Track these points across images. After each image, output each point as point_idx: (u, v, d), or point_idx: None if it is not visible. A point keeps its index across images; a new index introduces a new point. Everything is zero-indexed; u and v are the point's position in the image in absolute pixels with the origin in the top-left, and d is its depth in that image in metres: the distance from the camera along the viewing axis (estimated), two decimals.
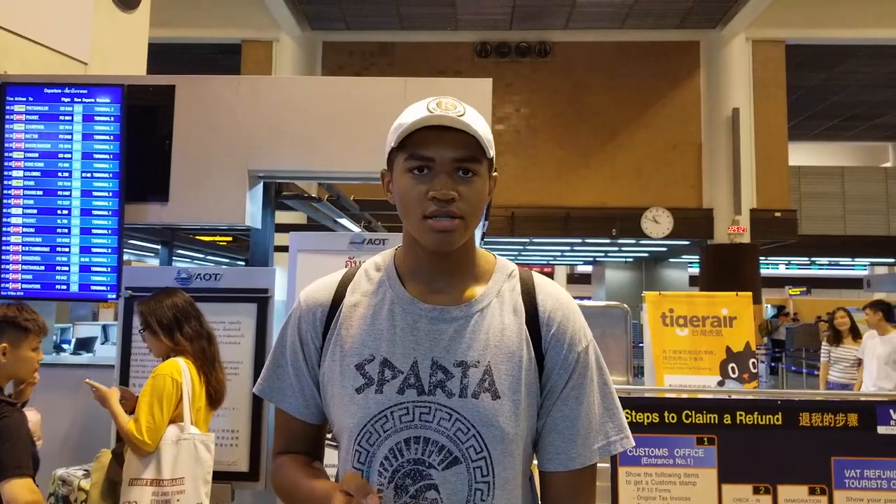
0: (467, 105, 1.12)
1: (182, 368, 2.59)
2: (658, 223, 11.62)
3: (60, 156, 3.27)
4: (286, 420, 1.23)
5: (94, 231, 3.24)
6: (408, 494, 1.07)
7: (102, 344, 7.15)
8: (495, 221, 10.98)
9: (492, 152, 1.13)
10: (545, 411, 1.15)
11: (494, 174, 1.17)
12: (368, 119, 3.38)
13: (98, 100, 3.28)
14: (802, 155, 17.76)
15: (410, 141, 1.10)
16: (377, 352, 1.12)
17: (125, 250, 6.90)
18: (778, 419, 3.20)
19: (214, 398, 2.73)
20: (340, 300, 1.19)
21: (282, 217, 5.21)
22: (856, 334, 6.58)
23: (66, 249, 3.25)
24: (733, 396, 3.61)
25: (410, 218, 1.11)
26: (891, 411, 3.24)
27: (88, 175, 3.26)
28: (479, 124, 1.10)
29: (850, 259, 19.53)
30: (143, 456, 2.47)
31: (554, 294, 1.19)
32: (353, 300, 1.19)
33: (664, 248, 13.71)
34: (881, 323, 6.06)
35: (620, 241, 12.41)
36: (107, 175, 3.25)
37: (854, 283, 23.85)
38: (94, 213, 3.25)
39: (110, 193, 3.25)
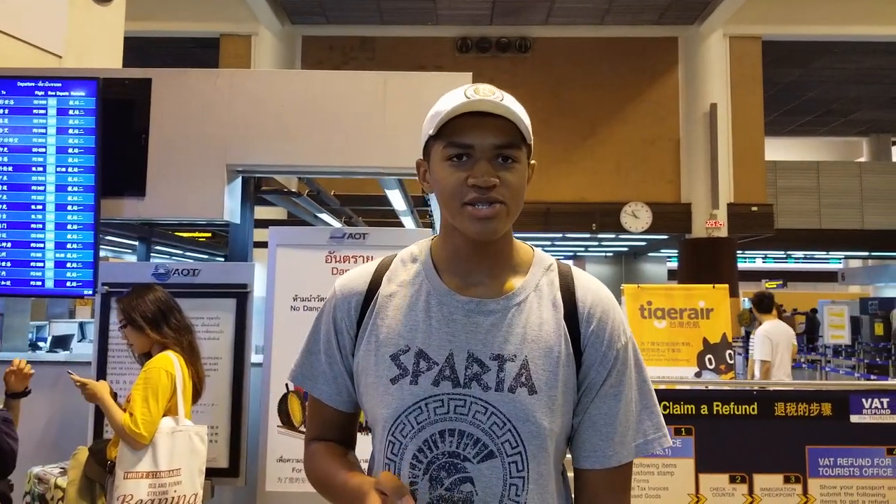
0: (503, 92, 1.10)
1: (174, 362, 2.59)
2: (637, 218, 11.72)
3: (34, 150, 3.22)
4: (319, 407, 1.22)
5: (69, 226, 3.20)
6: (443, 487, 1.06)
7: (79, 341, 7.06)
8: None
9: (531, 139, 1.12)
10: (582, 408, 1.13)
11: (532, 162, 1.15)
12: (348, 113, 3.37)
13: (72, 93, 3.23)
14: (778, 150, 17.99)
15: (448, 129, 1.08)
16: (412, 342, 1.11)
17: (103, 247, 6.82)
18: (754, 409, 3.25)
19: (198, 391, 2.73)
20: (376, 289, 1.18)
21: (262, 213, 5.18)
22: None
23: (41, 245, 3.20)
24: (710, 387, 3.66)
25: (450, 206, 1.09)
26: (863, 400, 3.30)
27: (63, 170, 3.21)
28: (519, 110, 1.08)
29: (825, 253, 19.83)
30: (137, 449, 2.46)
31: (593, 289, 1.17)
32: (389, 290, 1.17)
33: (643, 243, 13.84)
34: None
35: (600, 235, 12.50)
36: (82, 170, 3.21)
37: (829, 277, 24.26)
38: (69, 208, 3.20)
39: (85, 188, 3.21)
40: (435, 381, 1.08)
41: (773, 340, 5.61)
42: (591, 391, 1.12)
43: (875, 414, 3.28)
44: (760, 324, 5.74)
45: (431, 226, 6.43)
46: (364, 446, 1.20)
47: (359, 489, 1.04)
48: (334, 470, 1.14)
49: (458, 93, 1.09)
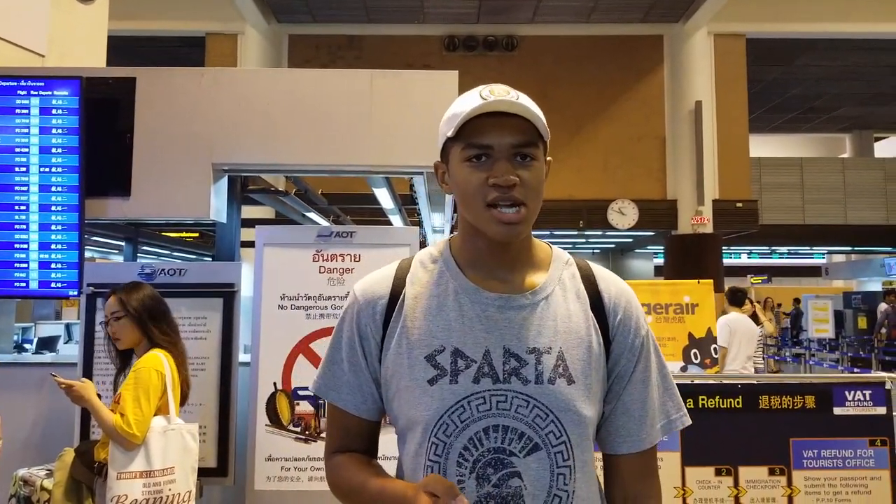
0: (517, 91, 1.11)
1: (163, 361, 2.58)
2: (624, 215, 11.78)
3: (17, 150, 3.20)
4: (342, 417, 1.21)
5: (54, 227, 3.18)
6: (490, 483, 1.06)
7: (66, 343, 7.00)
8: None
9: (548, 136, 1.13)
10: (614, 395, 1.16)
11: (549, 159, 1.16)
12: (335, 111, 3.37)
13: (56, 93, 3.21)
14: (763, 147, 18.13)
15: (466, 130, 1.09)
16: (447, 342, 1.11)
17: (89, 248, 6.76)
18: (738, 402, 3.29)
19: (185, 394, 2.71)
20: (399, 292, 1.17)
21: (249, 212, 5.16)
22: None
23: (25, 246, 3.18)
24: (695, 381, 3.70)
25: (472, 207, 1.10)
26: (846, 393, 3.35)
27: (47, 170, 3.19)
28: (534, 108, 1.10)
29: (808, 248, 20.02)
30: (130, 450, 2.45)
31: (614, 282, 1.21)
32: (414, 291, 1.17)
33: (630, 239, 13.91)
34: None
35: (587, 232, 12.55)
36: (66, 170, 3.19)
37: (813, 272, 24.47)
38: (53, 208, 3.18)
39: (69, 189, 3.19)
40: (475, 379, 1.08)
41: (731, 328, 5.82)
42: (622, 379, 1.16)
43: (858, 406, 3.32)
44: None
45: (419, 224, 6.43)
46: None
47: (402, 494, 1.03)
48: (364, 479, 1.13)
49: (473, 94, 1.10)
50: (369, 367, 1.17)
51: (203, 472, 2.90)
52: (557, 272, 1.18)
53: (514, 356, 1.09)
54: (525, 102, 1.09)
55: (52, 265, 3.17)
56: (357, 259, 3.25)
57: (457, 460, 1.07)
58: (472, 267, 1.16)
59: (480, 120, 1.08)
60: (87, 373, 3.18)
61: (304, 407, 3.18)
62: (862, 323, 15.41)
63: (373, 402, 1.19)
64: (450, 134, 1.11)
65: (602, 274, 1.21)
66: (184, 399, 2.72)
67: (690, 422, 1.20)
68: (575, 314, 1.14)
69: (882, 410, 3.32)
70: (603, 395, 1.15)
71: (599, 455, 1.20)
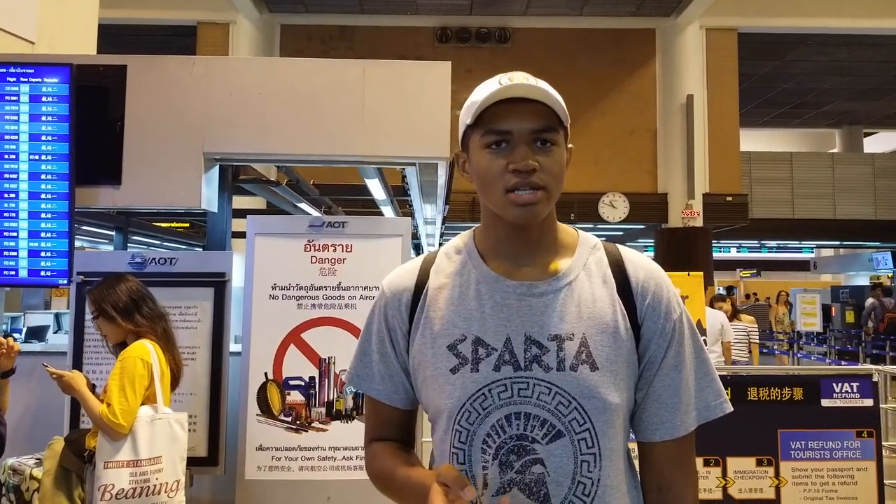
0: (536, 78, 1.11)
1: (150, 350, 2.58)
2: (615, 208, 11.81)
3: (6, 137, 3.17)
4: (376, 407, 1.23)
5: (43, 215, 3.15)
6: (513, 470, 1.06)
7: (55, 332, 6.97)
8: (456, 206, 11.00)
9: (567, 122, 1.13)
10: (645, 382, 1.14)
11: (570, 146, 1.15)
12: (328, 101, 3.36)
13: (45, 80, 3.18)
14: (753, 141, 18.21)
15: (486, 117, 1.09)
16: (468, 331, 1.11)
17: (79, 237, 6.71)
18: (727, 394, 3.32)
19: (175, 378, 2.72)
20: (424, 283, 1.18)
21: (241, 202, 5.14)
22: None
23: (14, 234, 3.16)
24: None
25: (492, 193, 1.10)
26: (834, 385, 3.38)
27: (36, 157, 3.16)
28: (554, 93, 1.10)
29: (797, 242, 20.14)
30: (117, 440, 2.45)
31: (644, 264, 1.18)
32: (437, 282, 1.18)
33: (621, 233, 13.94)
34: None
35: (579, 225, 12.49)
36: (55, 157, 3.16)
37: (801, 266, 24.66)
38: (43, 196, 3.15)
39: (59, 177, 3.16)
40: (496, 367, 1.09)
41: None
42: (653, 364, 1.13)
43: (845, 398, 3.36)
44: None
45: (412, 215, 6.43)
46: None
47: (422, 483, 1.04)
48: (395, 467, 1.16)
49: (492, 81, 1.10)
50: (398, 357, 1.19)
51: (194, 462, 2.91)
52: (583, 257, 1.17)
53: (536, 343, 1.09)
54: (544, 87, 1.08)
55: (42, 254, 3.15)
56: (349, 249, 3.25)
57: (480, 447, 1.08)
58: (494, 255, 1.16)
59: (500, 106, 1.08)
60: (77, 362, 3.17)
61: (295, 397, 3.19)
62: (849, 317, 15.54)
63: (404, 391, 1.21)
64: (469, 121, 1.11)
65: (631, 257, 1.18)
66: (175, 382, 2.73)
67: (731, 409, 1.17)
68: (600, 299, 1.12)
69: (869, 402, 3.36)
70: (634, 381, 1.13)
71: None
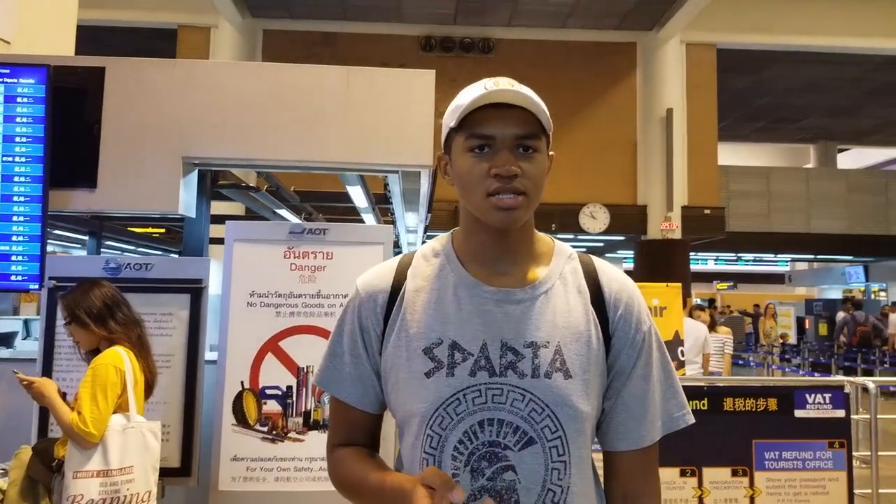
0: (521, 85, 1.11)
1: (123, 357, 2.53)
2: (595, 219, 11.90)
3: None
4: (345, 411, 1.21)
5: (15, 218, 3.09)
6: (484, 477, 1.06)
7: (24, 339, 6.81)
8: (439, 215, 11.01)
9: (550, 129, 1.13)
10: (614, 391, 1.15)
11: (551, 153, 1.16)
12: (311, 108, 3.34)
13: (21, 80, 3.12)
14: (731, 155, 18.47)
15: (469, 121, 1.09)
16: (445, 335, 1.11)
17: (50, 242, 6.59)
18: (704, 404, 3.34)
19: (150, 385, 2.67)
20: (401, 285, 1.17)
21: (219, 208, 5.09)
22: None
23: None
24: None
25: (473, 197, 1.10)
26: (807, 396, 3.42)
27: (9, 159, 3.10)
28: (538, 100, 1.10)
29: (773, 255, 20.45)
30: (87, 448, 2.40)
31: (616, 276, 1.19)
32: (415, 285, 1.17)
33: (601, 244, 14.05)
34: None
35: (559, 235, 12.61)
36: (30, 159, 3.10)
37: (777, 279, 25.02)
38: (15, 199, 3.09)
39: (33, 179, 3.10)
40: (471, 372, 1.09)
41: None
42: (621, 374, 1.15)
43: (818, 409, 3.40)
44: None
45: (393, 223, 6.41)
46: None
47: (400, 487, 1.03)
48: (365, 472, 1.13)
49: (478, 86, 1.11)
50: (370, 359, 1.18)
51: (166, 472, 2.85)
52: (559, 266, 1.18)
53: (511, 350, 1.10)
54: (529, 94, 1.09)
55: (13, 257, 3.08)
56: (329, 257, 3.23)
57: (451, 453, 1.07)
58: (473, 260, 1.17)
59: (484, 111, 1.08)
60: (48, 369, 3.10)
61: (272, 406, 3.14)
62: (823, 329, 15.79)
63: (374, 394, 1.19)
64: (452, 124, 1.11)
65: (605, 269, 1.20)
66: (149, 389, 2.67)
67: (693, 420, 1.19)
68: (575, 309, 1.14)
69: (841, 413, 3.40)
70: (603, 390, 1.14)
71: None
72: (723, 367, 6.79)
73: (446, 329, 1.11)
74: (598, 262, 1.22)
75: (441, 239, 1.23)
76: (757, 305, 20.11)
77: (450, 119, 1.13)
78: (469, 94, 1.10)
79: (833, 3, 11.79)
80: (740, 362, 12.30)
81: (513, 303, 1.12)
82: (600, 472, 1.19)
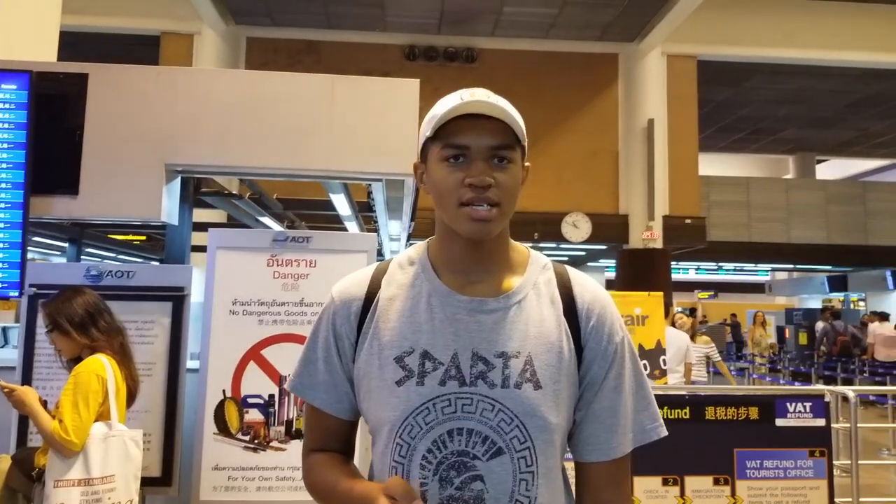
0: (497, 96, 1.13)
1: (105, 365, 2.51)
2: (577, 228, 11.95)
3: None
4: (318, 417, 1.21)
5: None
6: (453, 486, 1.06)
7: (2, 347, 6.71)
8: (422, 224, 11.02)
9: (525, 140, 1.14)
10: (585, 402, 1.15)
11: (527, 164, 1.17)
12: (295, 116, 3.34)
13: (3, 86, 3.09)
14: (711, 165, 18.67)
15: (445, 131, 1.10)
16: (416, 344, 1.11)
17: (30, 249, 6.51)
18: (686, 413, 3.37)
19: (132, 393, 2.65)
20: (375, 293, 1.18)
21: (201, 216, 5.06)
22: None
23: None
24: None
25: (446, 206, 1.11)
26: (788, 405, 3.46)
27: None
28: (513, 112, 1.12)
29: (753, 265, 20.66)
30: (68, 457, 2.37)
31: (590, 287, 1.20)
32: (389, 293, 1.17)
33: (583, 253, 14.10)
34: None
35: (542, 244, 12.69)
36: (11, 166, 3.07)
37: (757, 288, 25.28)
38: None
39: (14, 185, 3.07)
40: (441, 381, 1.09)
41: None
42: (593, 385, 1.15)
43: (799, 418, 3.44)
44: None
45: (376, 231, 6.41)
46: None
47: (366, 495, 1.04)
48: (336, 479, 1.14)
49: (454, 96, 1.12)
50: (344, 366, 1.18)
51: (147, 482, 2.82)
52: (533, 276, 1.19)
53: (482, 359, 1.10)
54: (504, 105, 1.11)
55: None
56: (313, 265, 3.22)
57: (420, 462, 1.08)
58: (447, 269, 1.17)
59: (459, 121, 1.10)
60: (27, 377, 3.06)
61: (254, 415, 3.12)
62: (802, 339, 15.97)
63: (348, 401, 1.20)
64: (429, 134, 1.12)
65: (578, 279, 1.21)
66: (131, 399, 2.65)
67: (666, 433, 1.19)
68: (548, 319, 1.14)
69: (821, 422, 3.44)
70: (574, 401, 1.15)
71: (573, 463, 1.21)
72: (704, 377, 6.82)
73: (418, 338, 1.12)
74: (572, 272, 1.23)
75: (417, 247, 1.24)
76: (734, 315, 20.30)
77: (426, 128, 1.14)
78: (445, 105, 1.11)
79: (812, 16, 12.00)
80: (733, 371, 12.36)
81: (485, 312, 1.13)
82: (573, 481, 1.20)
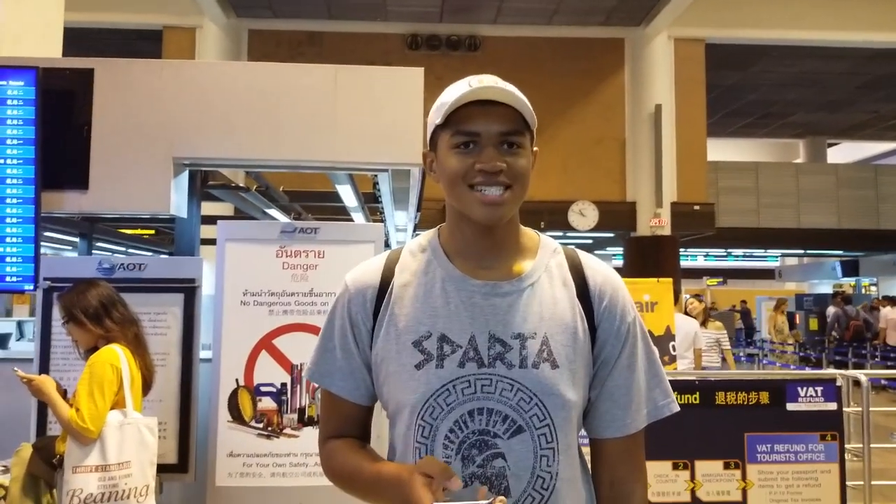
0: (505, 82, 1.13)
1: (119, 355, 2.56)
2: (584, 216, 11.91)
3: None
4: (336, 404, 1.23)
5: (9, 220, 3.09)
6: (475, 464, 1.09)
7: (18, 340, 6.79)
8: (427, 214, 11.00)
9: (535, 125, 1.16)
10: (599, 381, 1.18)
11: (535, 149, 1.18)
12: (299, 107, 3.34)
13: (10, 82, 3.11)
14: (720, 151, 18.53)
15: (455, 118, 1.11)
16: (433, 328, 1.14)
17: (42, 244, 6.56)
18: (696, 398, 3.37)
19: (147, 382, 2.70)
20: (389, 280, 1.20)
21: (209, 209, 5.08)
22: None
23: None
24: None
25: (457, 191, 1.12)
26: (799, 389, 3.45)
27: (1, 161, 3.10)
28: (522, 97, 1.12)
29: (763, 251, 20.54)
30: (85, 444, 2.44)
31: (601, 269, 1.22)
32: (403, 280, 1.19)
33: (590, 241, 14.07)
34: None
35: (548, 233, 12.64)
36: (21, 161, 3.10)
37: (767, 274, 25.14)
38: (8, 201, 3.09)
39: (25, 181, 3.10)
40: (460, 363, 1.12)
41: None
42: (607, 365, 1.18)
43: (810, 402, 3.43)
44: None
45: (383, 222, 6.42)
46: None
47: (397, 477, 1.06)
48: (359, 463, 1.16)
49: (462, 83, 1.13)
50: (361, 353, 1.20)
51: (163, 469, 2.87)
52: (544, 260, 1.20)
53: (499, 341, 1.12)
54: (513, 91, 1.12)
55: (8, 259, 3.08)
56: (321, 255, 3.24)
57: (443, 442, 1.10)
58: (459, 255, 1.19)
59: (469, 108, 1.11)
60: (44, 368, 3.11)
61: (267, 403, 3.16)
62: (813, 324, 15.89)
63: (365, 387, 1.22)
64: (438, 121, 1.13)
65: (589, 262, 1.23)
66: (147, 387, 2.70)
67: (678, 409, 1.22)
68: (561, 301, 1.16)
69: (833, 406, 3.43)
70: (589, 380, 1.17)
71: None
72: (716, 362, 6.78)
73: (435, 322, 1.14)
74: (582, 255, 1.24)
75: (427, 234, 1.26)
76: (744, 301, 20.22)
77: (435, 116, 1.15)
78: (454, 92, 1.12)
79: None
80: (742, 358, 12.35)
81: (499, 295, 1.15)
82: (587, 458, 1.23)
